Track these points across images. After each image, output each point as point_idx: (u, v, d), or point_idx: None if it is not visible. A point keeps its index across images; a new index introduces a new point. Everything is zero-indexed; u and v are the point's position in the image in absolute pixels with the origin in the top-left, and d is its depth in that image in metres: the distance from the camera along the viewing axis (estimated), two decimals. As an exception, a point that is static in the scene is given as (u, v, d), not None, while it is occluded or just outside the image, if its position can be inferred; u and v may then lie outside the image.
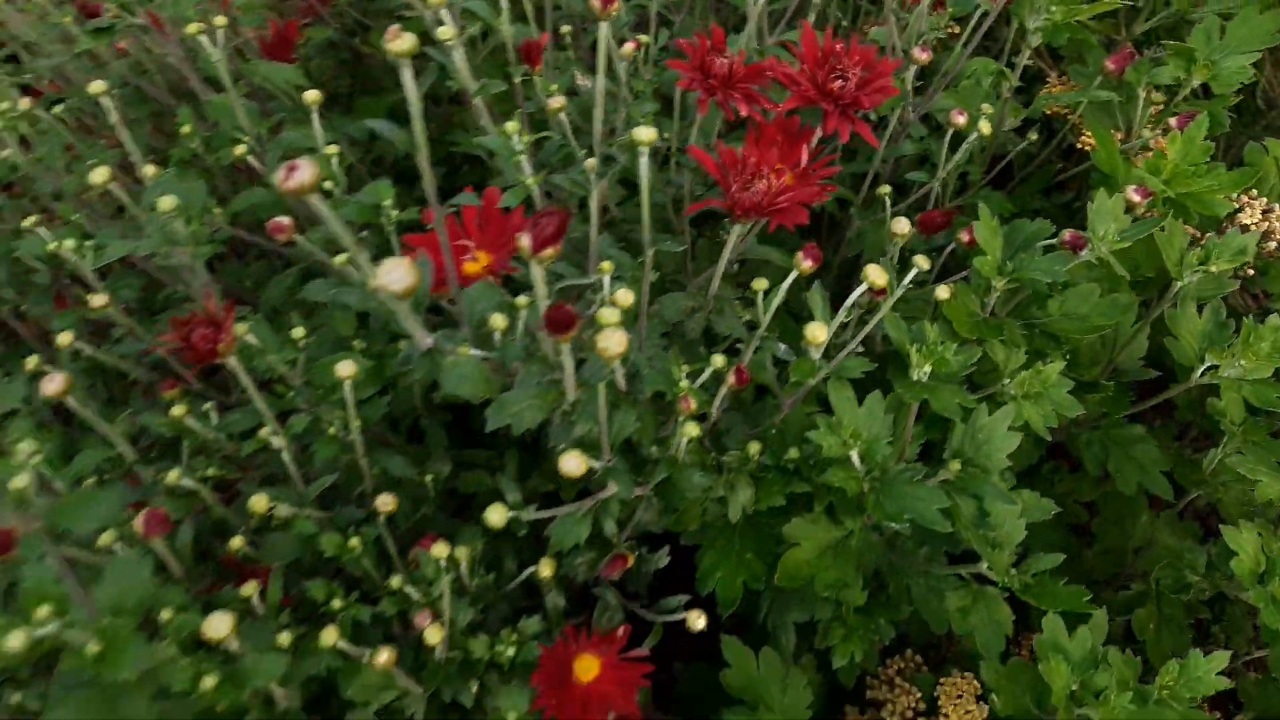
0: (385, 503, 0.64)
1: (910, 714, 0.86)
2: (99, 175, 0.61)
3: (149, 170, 0.65)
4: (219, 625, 0.51)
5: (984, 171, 0.88)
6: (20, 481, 0.44)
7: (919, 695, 0.87)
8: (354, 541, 0.63)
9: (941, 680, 0.86)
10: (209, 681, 0.51)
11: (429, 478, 0.73)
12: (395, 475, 0.68)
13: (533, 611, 0.71)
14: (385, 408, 0.65)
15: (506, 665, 0.66)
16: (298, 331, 0.64)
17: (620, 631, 0.69)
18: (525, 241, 0.45)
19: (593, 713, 0.68)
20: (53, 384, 0.53)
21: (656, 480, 0.66)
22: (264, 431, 0.62)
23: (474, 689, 0.68)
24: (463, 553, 0.62)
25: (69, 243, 0.69)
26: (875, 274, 0.57)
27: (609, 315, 0.46)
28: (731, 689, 0.80)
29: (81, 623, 0.42)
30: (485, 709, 0.68)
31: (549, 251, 0.45)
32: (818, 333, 0.58)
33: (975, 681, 0.87)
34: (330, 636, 0.56)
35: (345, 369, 0.61)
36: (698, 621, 0.62)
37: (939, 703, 0.86)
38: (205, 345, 0.58)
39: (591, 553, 0.71)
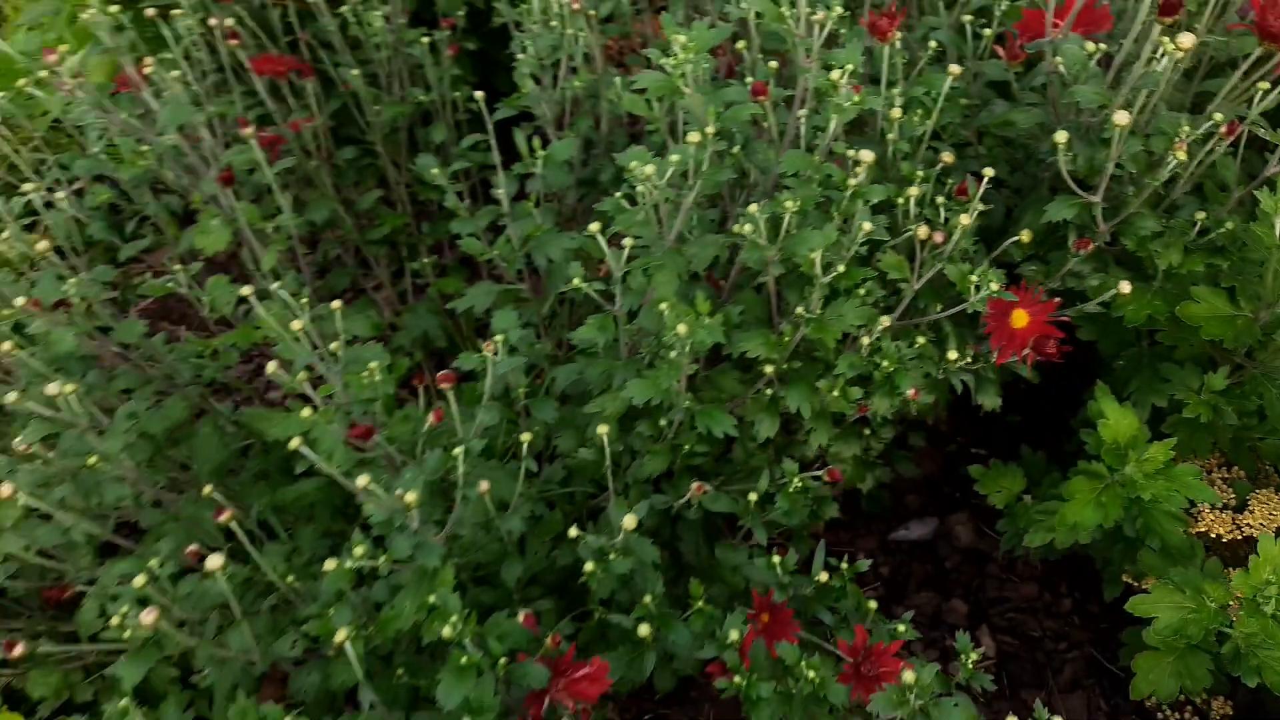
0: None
1: (1221, 507, 1.09)
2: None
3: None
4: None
5: None
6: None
7: (1233, 494, 1.09)
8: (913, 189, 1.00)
9: (1256, 490, 1.08)
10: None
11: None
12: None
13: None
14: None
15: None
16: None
17: (1054, 302, 1.00)
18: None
19: (1014, 345, 1.00)
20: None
21: (1119, 219, 0.97)
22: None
23: (939, 307, 1.03)
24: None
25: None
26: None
27: (1186, 40, 0.79)
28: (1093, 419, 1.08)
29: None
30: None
31: (1170, -26, 0.78)
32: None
33: (1285, 497, 1.08)
34: (866, 226, 0.93)
35: (955, 69, 0.98)
36: (1125, 286, 0.92)
37: (1249, 504, 1.08)
38: (887, 28, 0.97)
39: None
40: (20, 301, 1.00)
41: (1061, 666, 1.32)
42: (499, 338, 0.95)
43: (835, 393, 0.97)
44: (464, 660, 0.76)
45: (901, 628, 0.89)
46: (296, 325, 0.87)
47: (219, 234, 1.22)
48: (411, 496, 0.76)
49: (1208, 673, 0.97)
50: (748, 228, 0.89)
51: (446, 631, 0.75)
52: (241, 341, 1.24)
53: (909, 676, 0.77)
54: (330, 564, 0.82)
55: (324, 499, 1.18)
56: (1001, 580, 1.41)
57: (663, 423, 1.02)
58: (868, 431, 1.18)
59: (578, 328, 1.02)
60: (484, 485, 0.85)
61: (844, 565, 0.99)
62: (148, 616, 0.77)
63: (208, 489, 0.96)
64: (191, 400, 1.18)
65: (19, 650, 0.87)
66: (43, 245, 1.04)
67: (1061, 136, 0.88)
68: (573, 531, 0.87)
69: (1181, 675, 0.97)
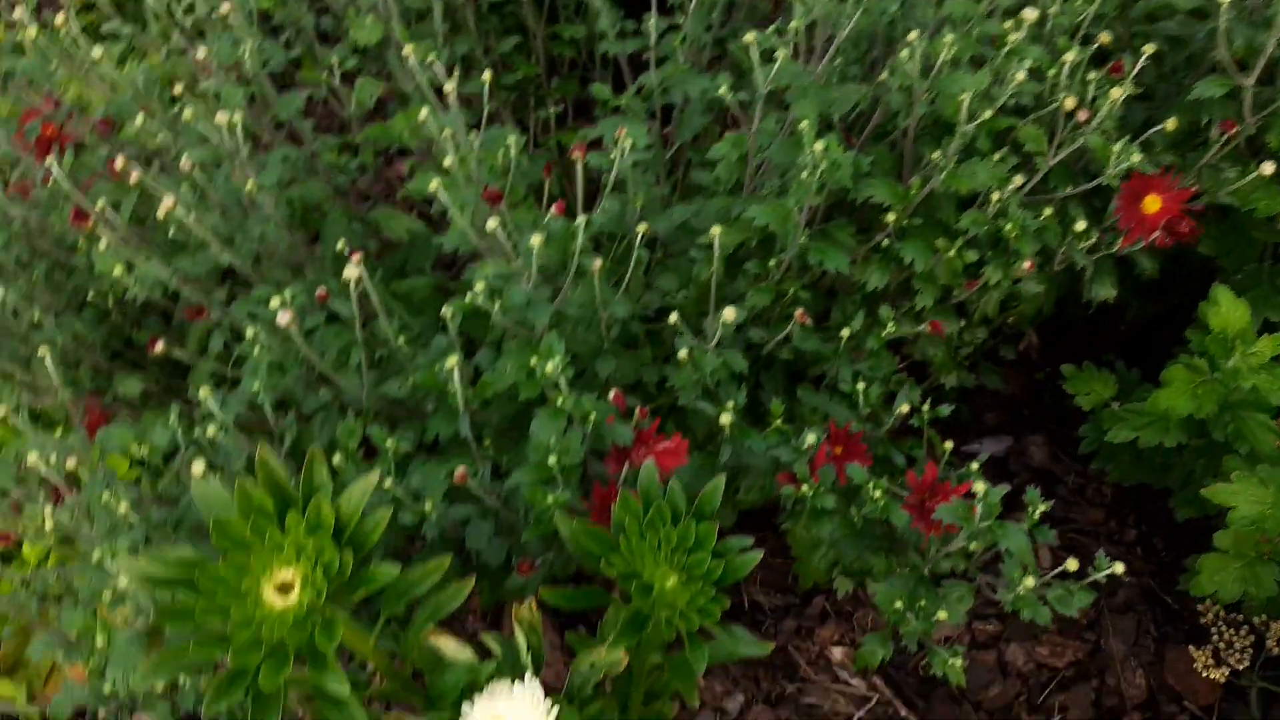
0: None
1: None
2: None
3: None
4: None
5: None
6: None
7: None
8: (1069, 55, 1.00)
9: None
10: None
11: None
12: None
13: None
14: None
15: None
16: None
17: (1189, 190, 0.99)
18: None
19: (1144, 226, 0.99)
20: None
21: (1267, 112, 0.95)
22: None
23: (1069, 188, 1.03)
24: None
25: None
26: None
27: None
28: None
29: None
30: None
31: None
32: None
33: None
34: (1020, 76, 0.93)
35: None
36: (1268, 167, 0.91)
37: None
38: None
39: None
40: (201, 55, 1.07)
41: (1116, 589, 1.32)
42: (627, 141, 0.98)
43: (952, 253, 0.99)
44: (560, 401, 0.81)
45: (975, 465, 0.90)
46: (449, 87, 0.92)
47: (373, 29, 1.28)
48: (536, 239, 0.81)
49: (1275, 583, 0.97)
50: (904, 53, 0.91)
51: (549, 368, 0.80)
52: (377, 138, 1.31)
53: (980, 487, 0.79)
54: (448, 308, 0.87)
55: (432, 297, 1.25)
56: (1069, 503, 1.41)
57: (772, 263, 1.05)
58: (963, 322, 1.19)
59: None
60: (596, 263, 0.89)
61: (925, 408, 1.01)
62: (284, 317, 0.83)
63: (340, 244, 1.02)
64: (327, 188, 1.26)
65: (159, 347, 0.95)
66: (226, 7, 1.11)
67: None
68: (672, 318, 0.91)
69: (1247, 581, 0.97)
